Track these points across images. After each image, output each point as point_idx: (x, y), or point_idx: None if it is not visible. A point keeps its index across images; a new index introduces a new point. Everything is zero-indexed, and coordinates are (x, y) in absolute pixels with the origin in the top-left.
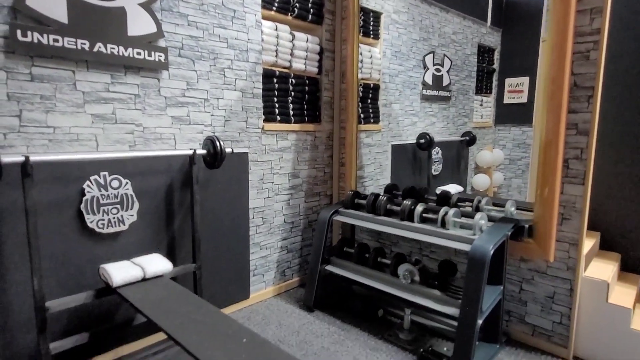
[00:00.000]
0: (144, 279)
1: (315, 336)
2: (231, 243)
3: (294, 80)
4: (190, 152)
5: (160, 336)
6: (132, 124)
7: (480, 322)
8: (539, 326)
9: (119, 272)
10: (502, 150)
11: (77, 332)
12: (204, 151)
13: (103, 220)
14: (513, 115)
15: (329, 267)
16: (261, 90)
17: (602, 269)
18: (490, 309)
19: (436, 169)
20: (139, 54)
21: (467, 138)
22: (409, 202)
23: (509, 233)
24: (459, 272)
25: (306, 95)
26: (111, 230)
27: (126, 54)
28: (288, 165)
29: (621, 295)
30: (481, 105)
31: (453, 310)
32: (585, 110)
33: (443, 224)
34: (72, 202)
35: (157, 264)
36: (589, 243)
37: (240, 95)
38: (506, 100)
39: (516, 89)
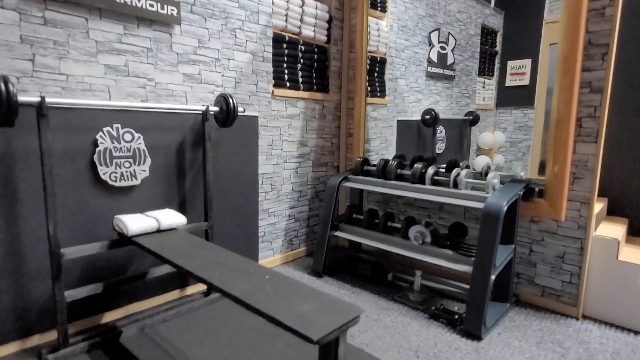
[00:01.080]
0: (159, 231)
1: None
2: (240, 208)
3: (303, 47)
4: (203, 108)
5: (171, 296)
6: (144, 78)
7: (493, 277)
8: (549, 287)
9: (134, 222)
10: (503, 133)
11: (91, 283)
12: (217, 108)
13: (116, 173)
14: (515, 97)
15: (339, 233)
16: (271, 55)
17: (611, 230)
18: (502, 266)
19: (440, 147)
20: (151, 6)
21: (471, 117)
22: (420, 166)
23: (521, 193)
24: (468, 236)
25: (315, 64)
26: (124, 184)
27: (139, 5)
28: (297, 133)
29: (630, 254)
30: (483, 87)
31: (466, 268)
32: (599, 68)
33: (455, 185)
34: (85, 152)
35: (171, 217)
36: (597, 206)
37: (250, 58)
38: (508, 83)
39: (518, 71)
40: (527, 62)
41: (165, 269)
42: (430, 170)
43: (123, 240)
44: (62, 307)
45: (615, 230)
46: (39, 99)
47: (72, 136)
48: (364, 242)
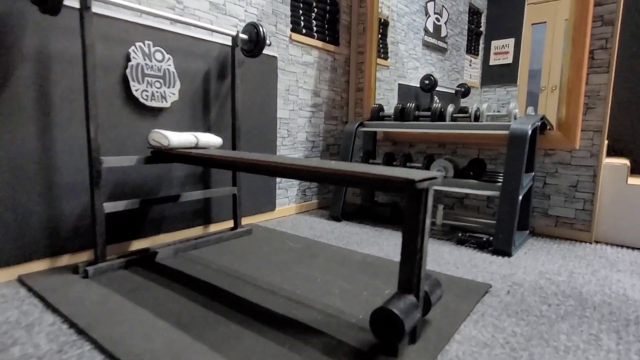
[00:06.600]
0: (196, 147)
1: (350, 234)
2: (260, 149)
3: None
4: (234, 33)
5: (196, 231)
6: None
7: (520, 197)
8: (562, 216)
9: (174, 135)
10: None
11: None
12: (246, 36)
13: (147, 92)
14: (498, 76)
15: None
16: None
17: (617, 160)
18: (526, 188)
19: None
20: None
21: (462, 89)
22: (439, 105)
23: (539, 123)
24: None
25: (327, 15)
26: (154, 104)
27: None
28: (311, 82)
29: (636, 180)
30: (470, 65)
31: (492, 193)
32: (610, 2)
33: (476, 119)
34: (117, 66)
35: (208, 136)
36: None
37: None
38: (492, 62)
39: (502, 50)
40: (510, 42)
41: (196, 195)
42: (450, 108)
43: (159, 155)
44: (101, 217)
45: (622, 160)
46: None
47: (106, 47)
48: None
